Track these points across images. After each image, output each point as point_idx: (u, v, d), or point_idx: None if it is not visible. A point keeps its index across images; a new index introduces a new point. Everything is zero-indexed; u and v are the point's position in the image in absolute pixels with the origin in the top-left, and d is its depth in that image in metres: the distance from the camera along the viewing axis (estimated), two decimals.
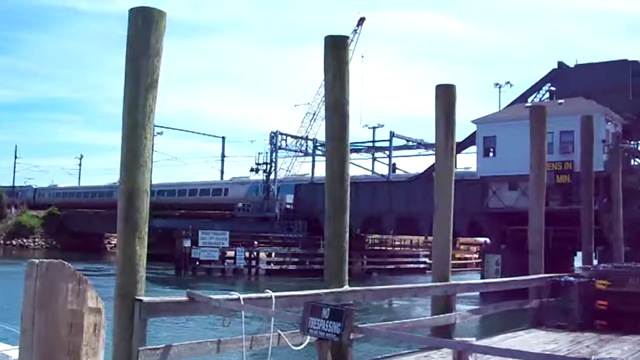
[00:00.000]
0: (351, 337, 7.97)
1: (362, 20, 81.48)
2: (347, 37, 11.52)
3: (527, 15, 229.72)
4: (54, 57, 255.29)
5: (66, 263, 2.74)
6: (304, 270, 63.81)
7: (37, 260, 2.78)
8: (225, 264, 64.08)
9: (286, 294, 9.35)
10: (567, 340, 13.23)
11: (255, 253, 66.71)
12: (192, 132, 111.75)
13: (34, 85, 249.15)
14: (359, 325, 8.47)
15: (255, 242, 68.56)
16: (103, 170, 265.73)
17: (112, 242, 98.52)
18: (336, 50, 10.76)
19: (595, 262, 20.27)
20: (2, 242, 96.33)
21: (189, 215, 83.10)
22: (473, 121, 57.37)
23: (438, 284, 12.56)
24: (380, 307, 34.15)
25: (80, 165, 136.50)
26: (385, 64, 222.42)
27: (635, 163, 49.23)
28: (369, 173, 73.97)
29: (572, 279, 15.47)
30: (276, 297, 8.75)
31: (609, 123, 51.93)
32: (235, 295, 8.49)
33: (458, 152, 59.16)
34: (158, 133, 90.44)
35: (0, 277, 52.48)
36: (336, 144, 10.65)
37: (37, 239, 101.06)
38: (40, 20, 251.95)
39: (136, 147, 7.80)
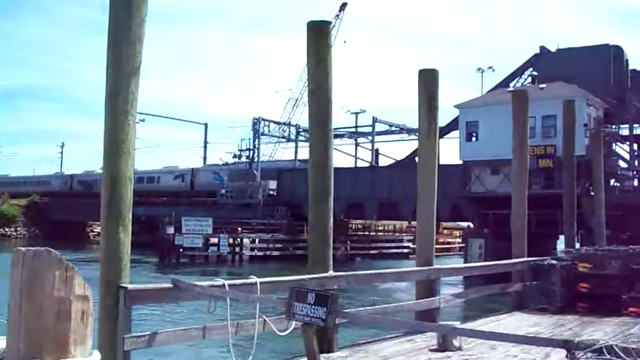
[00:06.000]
0: (336, 321, 8.01)
1: (344, 6, 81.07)
2: (330, 22, 11.51)
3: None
4: (29, 44, 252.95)
5: (52, 250, 2.73)
6: (287, 256, 63.84)
7: (23, 249, 2.77)
8: (209, 250, 63.89)
9: (270, 279, 9.36)
10: (550, 323, 13.33)
11: (238, 239, 66.60)
12: (174, 118, 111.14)
13: (12, 73, 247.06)
14: (344, 310, 8.51)
15: (239, 229, 68.44)
16: (85, 157, 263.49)
17: (96, 230, 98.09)
18: (318, 35, 10.74)
19: (577, 245, 20.36)
20: None
21: (171, 202, 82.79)
22: (455, 106, 57.44)
23: (421, 268, 12.61)
24: (364, 292, 34.20)
25: (62, 153, 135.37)
26: (367, 50, 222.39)
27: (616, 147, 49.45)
28: (352, 159, 73.91)
29: (554, 262, 15.57)
30: (261, 282, 8.74)
31: (591, 107, 52.10)
32: (219, 281, 8.49)
33: (440, 137, 58.95)
34: (140, 120, 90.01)
35: None
36: (319, 129, 10.64)
37: (18, 228, 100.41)
38: (12, 7, 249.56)
39: (119, 135, 7.75)
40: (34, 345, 2.66)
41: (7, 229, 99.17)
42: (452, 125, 59.65)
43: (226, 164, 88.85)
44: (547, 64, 58.59)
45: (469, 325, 12.18)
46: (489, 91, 61.78)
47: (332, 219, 10.47)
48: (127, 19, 7.80)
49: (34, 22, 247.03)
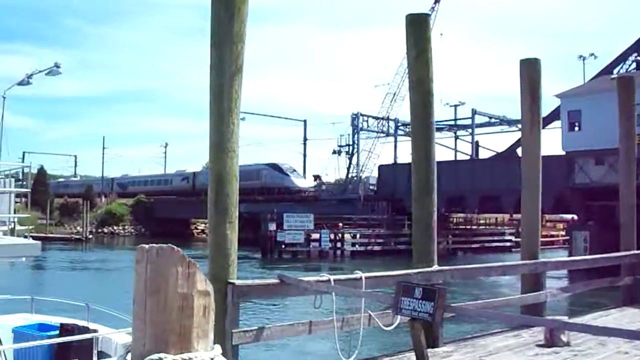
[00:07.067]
0: (443, 316, 7.96)
1: None
2: (428, 15, 11.46)
3: None
4: (133, 49, 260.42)
5: (175, 247, 2.82)
6: (388, 250, 63.91)
7: (146, 246, 2.87)
8: (310, 246, 64.45)
9: (375, 274, 9.38)
10: None
11: (340, 235, 66.96)
12: (274, 116, 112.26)
13: (117, 77, 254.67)
14: (452, 305, 8.45)
15: (340, 224, 68.74)
16: (187, 157, 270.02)
17: (199, 227, 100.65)
18: (417, 28, 10.68)
19: None
20: (94, 230, 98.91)
21: (272, 200, 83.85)
22: (557, 95, 56.10)
23: (527, 261, 12.40)
24: (466, 287, 33.84)
25: (165, 153, 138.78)
26: (463, 41, 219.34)
27: None
28: (451, 152, 73.54)
29: None
30: (366, 277, 8.76)
31: None
32: (325, 276, 8.54)
33: (542, 127, 57.74)
34: (241, 119, 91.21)
35: (97, 264, 54.07)
36: (421, 123, 10.60)
37: (126, 227, 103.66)
38: (116, 14, 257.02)
39: (224, 133, 7.90)
40: (158, 340, 2.75)
41: (115, 227, 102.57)
42: (554, 116, 58.39)
43: None
44: None
45: (577, 320, 11.91)
46: (591, 79, 60.20)
47: (435, 213, 10.42)
48: (228, 19, 7.90)
49: (135, 27, 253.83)
